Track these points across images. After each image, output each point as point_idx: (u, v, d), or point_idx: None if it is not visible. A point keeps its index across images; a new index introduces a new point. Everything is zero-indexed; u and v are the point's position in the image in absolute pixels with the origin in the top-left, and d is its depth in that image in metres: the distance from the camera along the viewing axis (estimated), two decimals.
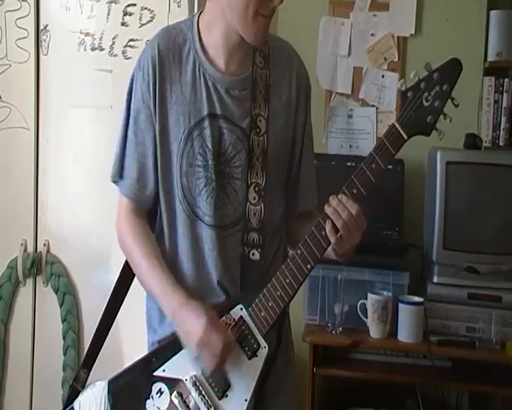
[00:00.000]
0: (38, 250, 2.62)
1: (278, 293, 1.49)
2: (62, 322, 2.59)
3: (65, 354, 2.58)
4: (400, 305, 2.49)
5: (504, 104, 2.79)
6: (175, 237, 1.59)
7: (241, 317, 1.53)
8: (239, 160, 1.56)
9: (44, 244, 2.61)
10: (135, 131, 1.59)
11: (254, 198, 1.57)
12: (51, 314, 2.60)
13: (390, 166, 2.77)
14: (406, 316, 2.48)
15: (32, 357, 2.62)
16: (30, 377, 2.63)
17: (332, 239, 1.44)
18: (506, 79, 2.79)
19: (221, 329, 1.49)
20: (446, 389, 2.74)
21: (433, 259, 2.58)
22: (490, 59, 2.81)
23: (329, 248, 1.48)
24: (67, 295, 2.59)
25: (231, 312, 1.54)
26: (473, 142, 2.69)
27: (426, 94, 1.39)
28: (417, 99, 1.40)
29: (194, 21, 1.60)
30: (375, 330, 2.50)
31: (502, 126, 2.79)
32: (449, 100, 1.40)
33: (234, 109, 1.56)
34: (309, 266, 1.48)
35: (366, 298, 2.51)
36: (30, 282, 2.62)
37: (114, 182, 1.65)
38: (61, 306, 2.59)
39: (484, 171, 2.57)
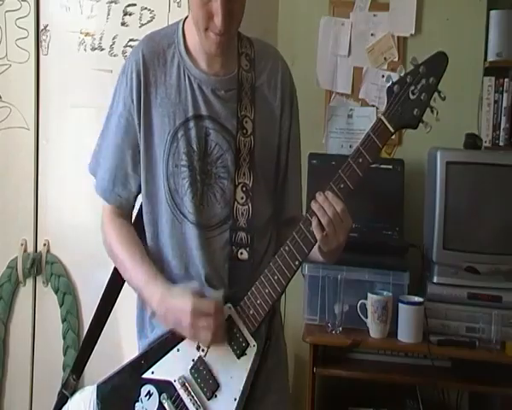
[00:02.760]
0: (38, 250, 2.62)
1: (266, 290, 1.49)
2: (62, 322, 2.59)
3: (65, 354, 2.58)
4: (400, 305, 2.49)
5: (504, 104, 2.79)
6: (161, 238, 1.60)
7: (230, 316, 1.53)
8: (225, 160, 1.57)
9: (44, 244, 2.61)
10: (116, 134, 1.61)
11: (242, 198, 1.57)
12: (51, 314, 2.60)
13: (390, 166, 2.81)
14: (406, 316, 2.48)
15: (32, 357, 2.63)
16: (30, 377, 2.63)
17: (318, 236, 1.43)
18: (506, 79, 2.79)
19: (208, 307, 1.48)
20: (446, 389, 2.74)
21: (433, 259, 2.57)
22: (490, 59, 2.81)
23: (315, 248, 1.48)
24: (67, 295, 2.59)
25: None
26: (473, 142, 2.69)
27: (412, 87, 1.39)
28: (403, 92, 1.40)
29: (180, 25, 1.62)
30: (375, 330, 2.50)
31: (502, 126, 2.79)
32: (436, 93, 1.39)
33: (220, 109, 1.57)
34: (297, 263, 1.47)
35: (366, 298, 2.50)
36: (30, 282, 2.63)
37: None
38: (61, 306, 2.59)
39: (484, 171, 2.57)
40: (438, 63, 1.39)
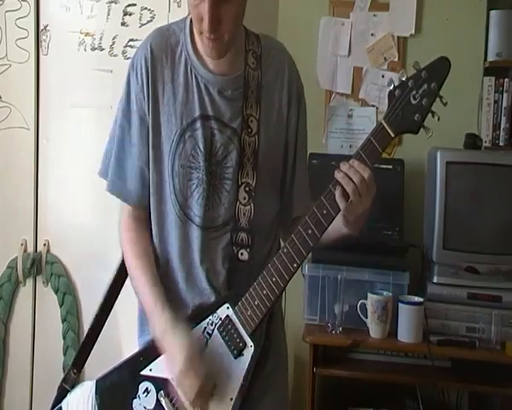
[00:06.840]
0: (38, 250, 2.62)
1: (265, 292, 1.49)
2: (62, 322, 2.59)
3: (65, 354, 2.58)
4: (400, 305, 2.49)
5: (504, 104, 2.79)
6: (166, 239, 1.59)
7: (228, 316, 1.53)
8: (230, 160, 1.56)
9: (44, 244, 2.61)
10: (131, 133, 1.59)
11: (244, 198, 1.56)
12: (51, 314, 2.60)
13: (390, 166, 2.81)
14: (406, 316, 2.48)
15: (32, 357, 2.62)
16: (30, 377, 2.63)
17: (341, 205, 1.41)
18: (506, 79, 2.79)
19: (199, 369, 1.48)
20: (446, 389, 2.74)
21: (433, 259, 2.58)
22: (490, 59, 2.81)
23: (337, 220, 1.45)
24: (67, 295, 2.59)
25: (218, 311, 1.54)
26: (473, 142, 2.69)
27: (413, 92, 1.38)
28: (405, 97, 1.39)
29: (187, 23, 1.60)
30: (375, 330, 2.50)
31: (502, 126, 2.79)
32: (437, 98, 1.38)
33: (225, 110, 1.56)
34: (295, 265, 1.46)
35: (366, 298, 2.50)
36: (30, 282, 2.63)
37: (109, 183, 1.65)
38: (61, 306, 2.59)
39: (484, 171, 2.57)
40: (440, 68, 1.38)
